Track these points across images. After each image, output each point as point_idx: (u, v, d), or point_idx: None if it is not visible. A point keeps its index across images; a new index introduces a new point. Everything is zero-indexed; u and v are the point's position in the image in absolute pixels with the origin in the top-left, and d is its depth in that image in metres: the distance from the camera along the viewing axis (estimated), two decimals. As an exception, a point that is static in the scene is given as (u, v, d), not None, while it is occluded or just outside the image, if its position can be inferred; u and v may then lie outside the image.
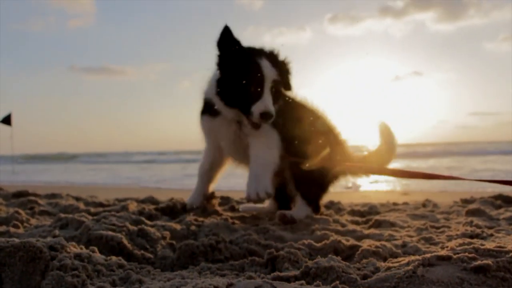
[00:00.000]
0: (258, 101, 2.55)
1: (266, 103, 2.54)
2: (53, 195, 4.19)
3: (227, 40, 2.66)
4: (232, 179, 5.56)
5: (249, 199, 2.61)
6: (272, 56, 2.70)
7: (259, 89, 2.57)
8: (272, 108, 2.54)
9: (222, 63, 2.70)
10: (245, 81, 2.58)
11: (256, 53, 2.66)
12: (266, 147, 2.76)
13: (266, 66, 2.59)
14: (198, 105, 3.00)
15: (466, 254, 1.46)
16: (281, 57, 2.77)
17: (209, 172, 3.24)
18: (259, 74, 2.56)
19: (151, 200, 3.79)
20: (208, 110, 2.87)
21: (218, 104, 2.73)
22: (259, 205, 3.36)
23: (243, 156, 2.91)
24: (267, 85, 2.58)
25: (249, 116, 2.59)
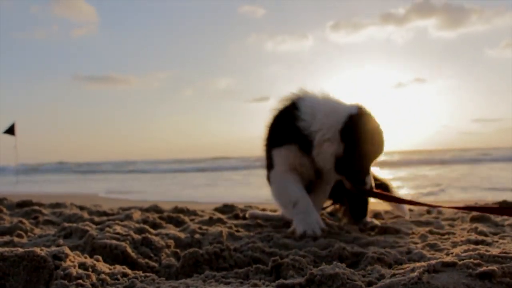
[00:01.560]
0: (368, 173, 2.63)
1: (371, 177, 2.66)
2: (57, 205, 4.20)
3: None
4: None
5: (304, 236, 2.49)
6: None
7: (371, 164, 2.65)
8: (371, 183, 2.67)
9: (349, 133, 2.51)
10: (369, 156, 2.60)
11: (379, 125, 2.60)
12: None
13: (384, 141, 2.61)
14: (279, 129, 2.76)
15: (471, 260, 1.45)
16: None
17: None
18: (380, 150, 2.61)
19: (155, 209, 3.79)
20: (303, 145, 2.63)
21: (327, 163, 2.58)
22: (270, 213, 3.38)
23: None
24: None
25: (356, 184, 2.62)
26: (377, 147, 2.60)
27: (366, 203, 3.11)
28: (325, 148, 2.53)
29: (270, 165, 2.78)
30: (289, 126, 2.63)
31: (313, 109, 2.59)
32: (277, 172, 2.71)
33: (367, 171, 2.62)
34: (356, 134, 2.49)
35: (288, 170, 2.69)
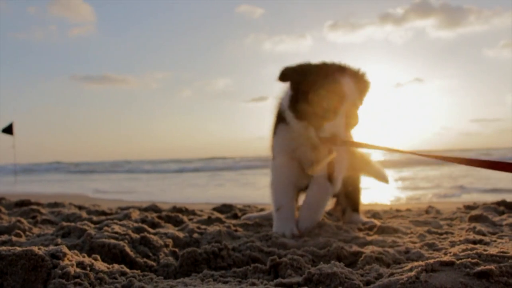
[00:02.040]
0: (332, 120, 2.46)
1: (338, 125, 2.45)
2: (56, 204, 4.20)
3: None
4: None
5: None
6: (357, 77, 2.56)
7: (335, 109, 2.45)
8: (342, 133, 2.46)
9: (297, 77, 2.53)
10: (324, 96, 2.45)
11: (340, 70, 2.51)
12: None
13: (349, 86, 2.46)
14: (271, 119, 2.85)
15: (469, 259, 1.45)
16: (365, 80, 2.62)
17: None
18: (340, 93, 2.44)
19: (154, 208, 3.79)
20: (282, 121, 2.72)
21: (289, 117, 2.62)
22: (264, 212, 3.40)
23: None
24: (344, 107, 2.45)
25: (319, 133, 2.50)
26: (323, 88, 2.44)
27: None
28: (284, 106, 2.63)
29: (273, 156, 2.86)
30: (278, 114, 2.75)
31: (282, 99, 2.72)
32: (275, 165, 2.82)
33: (323, 116, 2.46)
34: (295, 75, 2.53)
35: (287, 160, 2.75)
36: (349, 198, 3.23)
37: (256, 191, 9.36)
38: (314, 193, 2.75)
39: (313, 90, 2.46)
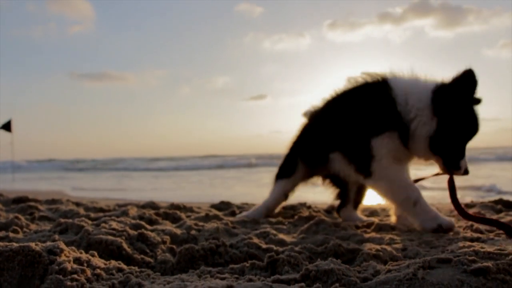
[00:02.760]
0: (463, 156, 2.46)
1: (466, 160, 2.48)
2: (53, 201, 4.19)
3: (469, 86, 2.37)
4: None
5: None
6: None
7: (467, 144, 2.46)
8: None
9: (447, 107, 2.40)
10: (466, 135, 2.43)
11: (475, 103, 2.43)
12: None
13: (480, 121, 2.42)
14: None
15: (466, 256, 1.46)
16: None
17: None
18: (477, 130, 2.41)
19: (152, 205, 3.79)
20: (402, 133, 2.52)
21: (422, 147, 2.49)
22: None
23: None
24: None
25: (451, 168, 2.49)
26: (473, 123, 2.41)
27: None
28: (419, 131, 2.44)
29: (366, 156, 2.58)
30: (389, 111, 2.50)
31: (405, 92, 2.50)
32: (385, 165, 2.54)
33: (462, 152, 2.46)
34: (450, 105, 2.37)
35: (393, 162, 2.55)
36: (358, 194, 3.19)
37: (255, 188, 9.36)
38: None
39: (468, 127, 2.40)
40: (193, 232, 2.42)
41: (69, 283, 1.41)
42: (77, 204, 4.10)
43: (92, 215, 3.19)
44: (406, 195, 2.49)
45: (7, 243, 1.55)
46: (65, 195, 7.54)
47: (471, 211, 3.16)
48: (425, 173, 2.94)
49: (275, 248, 2.05)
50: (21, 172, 22.57)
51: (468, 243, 1.85)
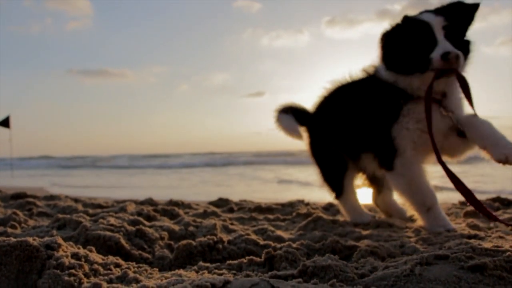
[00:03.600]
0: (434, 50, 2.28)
1: (443, 46, 2.26)
2: (52, 197, 4.19)
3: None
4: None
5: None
6: (437, 9, 2.41)
7: (430, 42, 2.30)
8: (452, 47, 2.24)
9: (388, 42, 2.43)
10: (413, 40, 2.33)
11: (417, 15, 2.41)
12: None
13: (427, 17, 2.33)
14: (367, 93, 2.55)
15: (464, 253, 1.46)
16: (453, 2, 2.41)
17: None
18: (423, 27, 2.30)
19: (150, 202, 3.79)
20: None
21: (391, 77, 2.44)
22: None
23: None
24: (438, 33, 2.28)
25: (430, 69, 2.30)
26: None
27: None
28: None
29: (389, 149, 2.50)
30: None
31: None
32: (406, 162, 2.47)
33: (427, 52, 2.33)
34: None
35: (417, 155, 2.46)
36: None
37: (254, 186, 9.37)
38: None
39: (403, 42, 2.37)
40: (191, 228, 2.42)
41: (66, 278, 1.42)
42: (76, 200, 4.10)
43: (91, 211, 3.19)
44: (422, 201, 2.47)
45: (5, 238, 1.55)
46: (44, 192, 7.53)
47: (468, 208, 3.16)
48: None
49: (272, 244, 2.06)
50: (9, 170, 22.40)
51: (465, 240, 1.85)
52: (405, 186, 2.51)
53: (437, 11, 2.38)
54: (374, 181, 3.08)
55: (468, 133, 2.35)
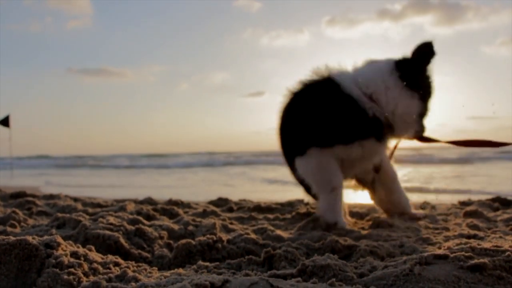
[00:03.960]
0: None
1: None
2: (51, 196, 4.18)
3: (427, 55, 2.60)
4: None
5: None
6: None
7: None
8: None
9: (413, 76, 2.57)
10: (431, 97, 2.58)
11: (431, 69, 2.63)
12: None
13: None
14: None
15: (463, 253, 1.46)
16: None
17: None
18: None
19: (149, 201, 3.79)
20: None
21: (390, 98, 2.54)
22: None
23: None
24: None
25: (418, 130, 2.59)
26: (433, 88, 2.62)
27: None
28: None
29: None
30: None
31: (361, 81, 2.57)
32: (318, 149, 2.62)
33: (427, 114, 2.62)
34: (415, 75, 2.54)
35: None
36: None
37: (253, 185, 9.37)
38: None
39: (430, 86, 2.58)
40: (190, 227, 2.42)
41: (65, 276, 1.42)
42: (75, 200, 4.10)
43: (90, 210, 3.19)
44: (329, 179, 2.57)
45: (4, 237, 1.55)
46: (38, 191, 7.52)
47: (468, 208, 3.16)
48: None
49: (272, 244, 2.06)
50: (7, 169, 22.36)
51: (465, 240, 1.86)
52: (315, 166, 2.59)
53: None
54: (363, 182, 3.09)
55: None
